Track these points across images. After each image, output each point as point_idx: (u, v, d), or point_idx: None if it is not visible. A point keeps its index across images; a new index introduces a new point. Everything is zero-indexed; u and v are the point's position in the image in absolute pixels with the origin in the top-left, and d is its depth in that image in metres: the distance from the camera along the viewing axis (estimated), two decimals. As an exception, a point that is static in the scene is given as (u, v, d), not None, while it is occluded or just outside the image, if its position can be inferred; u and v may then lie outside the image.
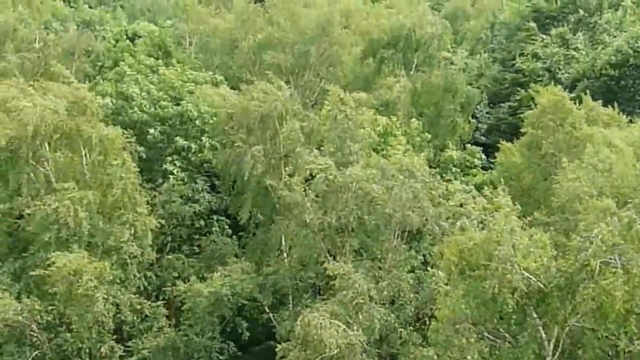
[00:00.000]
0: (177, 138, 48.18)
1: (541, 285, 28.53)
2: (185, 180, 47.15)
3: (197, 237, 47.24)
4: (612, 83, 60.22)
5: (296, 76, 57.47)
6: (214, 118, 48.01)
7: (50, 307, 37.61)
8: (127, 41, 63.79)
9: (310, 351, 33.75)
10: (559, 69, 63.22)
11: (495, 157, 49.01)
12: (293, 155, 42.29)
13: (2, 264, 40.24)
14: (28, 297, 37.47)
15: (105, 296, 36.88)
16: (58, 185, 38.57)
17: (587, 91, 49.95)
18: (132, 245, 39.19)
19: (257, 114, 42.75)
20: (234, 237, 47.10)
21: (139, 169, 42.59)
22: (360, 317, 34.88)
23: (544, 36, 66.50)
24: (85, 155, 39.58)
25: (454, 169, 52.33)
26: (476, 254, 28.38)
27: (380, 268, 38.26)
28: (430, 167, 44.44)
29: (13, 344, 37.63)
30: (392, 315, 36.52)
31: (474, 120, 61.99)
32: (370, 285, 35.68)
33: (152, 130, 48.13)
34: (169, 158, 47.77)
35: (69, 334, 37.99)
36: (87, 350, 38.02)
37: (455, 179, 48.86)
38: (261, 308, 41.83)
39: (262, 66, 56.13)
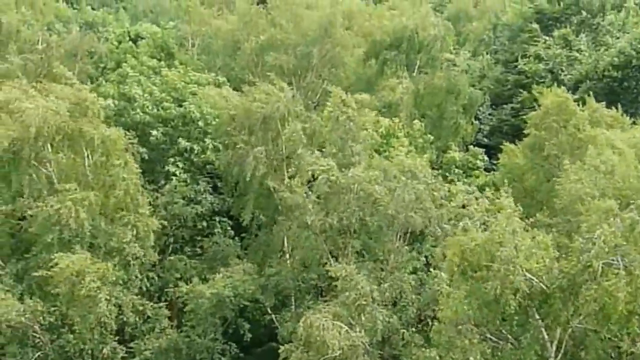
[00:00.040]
0: (180, 139, 48.21)
1: (543, 287, 28.50)
2: (188, 181, 47.17)
3: (199, 238, 47.25)
4: (615, 84, 60.15)
5: (298, 78, 57.51)
6: (217, 119, 48.05)
7: (52, 308, 37.62)
8: (130, 42, 63.87)
9: (313, 352, 33.72)
10: (562, 71, 63.18)
11: (497, 159, 48.97)
12: (295, 157, 42.29)
13: (5, 265, 40.24)
14: (31, 298, 37.49)
15: (108, 297, 36.88)
16: (60, 187, 38.59)
17: (590, 93, 49.86)
18: (135, 247, 39.20)
19: (259, 115, 42.79)
20: (236, 238, 47.11)
21: (141, 171, 42.60)
22: (363, 318, 34.85)
23: (547, 37, 66.45)
24: (88, 156, 39.61)
25: (456, 171, 52.31)
26: (478, 254, 28.35)
27: (382, 269, 38.24)
28: (433, 168, 44.46)
29: (16, 344, 37.64)
30: (395, 316, 36.50)
31: (477, 122, 61.96)
32: (372, 287, 35.66)
33: (154, 132, 48.16)
34: (172, 159, 47.80)
35: (71, 335, 37.98)
36: (90, 351, 38.00)
37: (458, 180, 48.83)
38: (263, 309, 41.83)
39: (264, 68, 56.18)
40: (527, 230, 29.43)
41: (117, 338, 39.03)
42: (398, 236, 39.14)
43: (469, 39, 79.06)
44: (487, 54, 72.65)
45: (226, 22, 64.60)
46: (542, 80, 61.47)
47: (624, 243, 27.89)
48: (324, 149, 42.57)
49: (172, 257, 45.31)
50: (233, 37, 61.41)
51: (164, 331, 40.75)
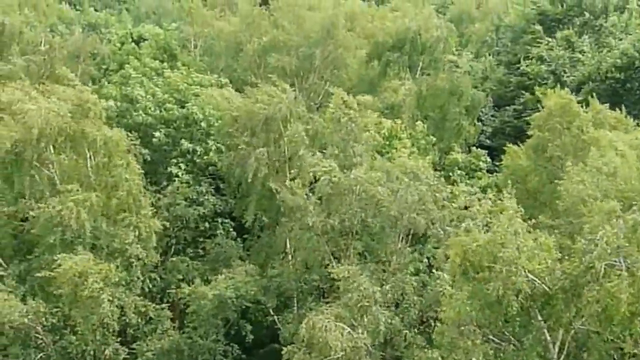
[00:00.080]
0: (183, 141, 48.22)
1: (546, 288, 28.45)
2: (190, 183, 47.18)
3: (201, 239, 47.28)
4: (618, 86, 60.07)
5: (301, 79, 57.54)
6: (219, 121, 48.07)
7: (55, 310, 37.67)
8: (133, 44, 63.97)
9: (316, 354, 33.71)
10: (564, 72, 63.10)
11: (500, 160, 48.89)
12: (297, 158, 42.29)
13: (7, 266, 40.32)
14: (33, 300, 37.53)
15: (111, 298, 36.91)
16: (62, 188, 38.62)
17: (593, 94, 49.82)
18: (137, 248, 39.22)
19: (261, 116, 42.83)
20: (238, 239, 47.13)
21: (143, 172, 42.65)
22: (365, 320, 34.83)
23: (549, 39, 66.37)
24: (90, 157, 39.65)
25: (458, 172, 52.29)
26: (480, 255, 28.31)
27: (384, 271, 38.22)
28: (435, 170, 44.43)
29: (18, 345, 37.69)
30: (397, 318, 36.48)
31: (479, 124, 61.94)
32: (375, 288, 35.64)
33: (157, 134, 48.17)
34: (174, 161, 47.80)
35: (73, 337, 38.03)
36: (92, 353, 38.05)
37: (460, 181, 48.82)
38: (265, 311, 41.83)
39: (266, 69, 56.25)
40: (530, 232, 29.39)
41: (119, 339, 39.08)
42: (400, 237, 39.13)
43: (472, 41, 78.99)
44: (489, 55, 72.57)
45: (228, 24, 64.61)
46: (544, 82, 61.41)
47: (627, 244, 27.81)
48: (324, 150, 42.59)
49: (174, 259, 45.34)
50: (235, 38, 61.43)
51: (166, 332, 40.78)
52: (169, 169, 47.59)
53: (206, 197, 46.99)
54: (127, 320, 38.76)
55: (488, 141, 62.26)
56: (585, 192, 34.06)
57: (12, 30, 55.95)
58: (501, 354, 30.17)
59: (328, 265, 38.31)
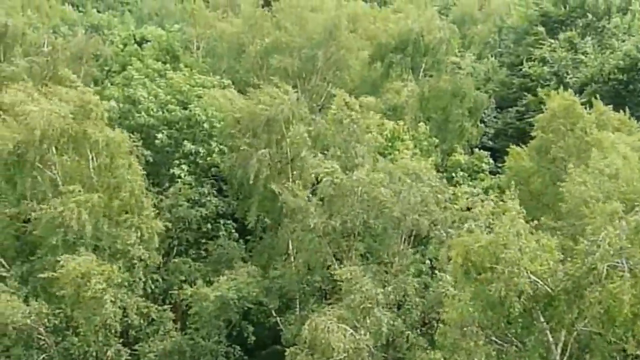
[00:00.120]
0: (185, 142, 48.23)
1: (548, 289, 28.42)
2: (193, 184, 47.18)
3: (204, 241, 47.27)
4: (621, 87, 60.05)
5: (303, 80, 57.52)
6: (222, 122, 48.07)
7: (57, 311, 37.69)
8: (135, 45, 64.00)
9: (318, 355, 33.72)
10: (567, 74, 63.07)
11: (502, 162, 48.87)
12: (299, 159, 42.29)
13: (10, 267, 40.36)
14: (36, 301, 37.56)
15: (113, 299, 36.94)
16: (64, 189, 38.66)
17: (597, 96, 49.78)
18: (139, 249, 39.24)
19: (263, 117, 42.82)
20: (241, 241, 47.12)
21: (146, 173, 42.66)
22: (368, 321, 34.82)
23: (552, 40, 66.34)
24: (92, 159, 39.68)
25: (461, 174, 52.29)
26: (482, 255, 28.30)
27: (386, 272, 38.21)
28: (438, 171, 44.42)
29: (21, 347, 37.72)
30: (399, 319, 36.47)
31: (482, 125, 61.93)
32: (377, 290, 35.64)
33: (160, 135, 48.17)
34: (177, 162, 47.80)
35: (76, 338, 38.05)
36: (94, 354, 38.06)
37: (463, 182, 48.81)
38: (267, 312, 41.81)
39: (269, 70, 56.24)
40: (532, 233, 29.37)
41: (121, 340, 39.08)
42: (402, 239, 39.12)
43: (474, 42, 78.98)
44: (492, 57, 72.58)
45: (231, 25, 64.62)
46: (547, 84, 61.43)
47: (629, 245, 27.77)
48: (326, 152, 42.61)
49: (176, 260, 45.32)
50: (238, 39, 61.44)
51: (168, 333, 40.78)
52: (171, 171, 47.58)
53: (208, 199, 46.98)
54: (130, 322, 38.78)
55: (490, 143, 62.26)
56: (587, 194, 34.05)
57: (15, 32, 56.05)
58: (503, 355, 30.13)
59: (330, 266, 38.29)
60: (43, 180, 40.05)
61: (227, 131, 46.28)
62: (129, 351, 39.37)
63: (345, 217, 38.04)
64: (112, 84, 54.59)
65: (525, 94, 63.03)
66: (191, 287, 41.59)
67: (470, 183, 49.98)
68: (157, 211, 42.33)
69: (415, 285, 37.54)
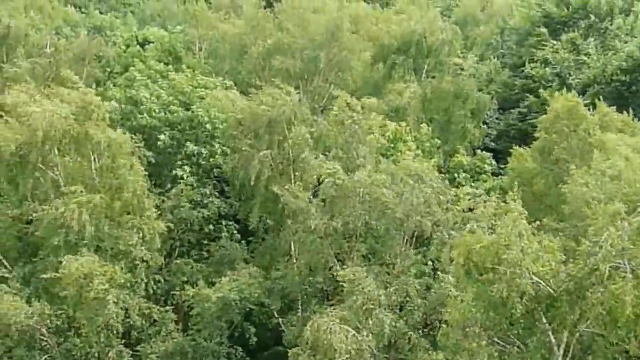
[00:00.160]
0: (188, 143, 48.22)
1: (550, 290, 28.41)
2: (195, 185, 47.17)
3: (206, 242, 47.27)
4: (624, 89, 59.95)
5: (305, 82, 57.47)
6: (224, 123, 48.07)
7: (59, 312, 37.73)
8: (138, 47, 64.00)
9: (320, 356, 33.77)
10: (570, 75, 62.99)
11: (505, 163, 48.83)
12: (301, 161, 42.28)
13: (12, 268, 40.41)
14: (38, 302, 37.59)
15: (116, 300, 36.96)
16: (66, 189, 38.70)
17: (600, 97, 49.72)
18: (142, 250, 39.25)
19: (265, 119, 42.83)
20: (243, 242, 47.12)
21: (148, 175, 42.69)
22: (370, 322, 34.81)
23: (555, 42, 66.26)
24: (94, 160, 39.71)
25: (464, 175, 52.26)
26: (484, 256, 28.28)
27: (388, 274, 38.20)
28: (441, 172, 44.42)
29: (23, 348, 37.80)
30: (401, 321, 36.45)
31: (484, 126, 61.89)
32: (380, 291, 35.62)
33: (162, 137, 48.15)
34: (179, 163, 47.79)
35: (78, 339, 38.06)
36: (96, 355, 38.10)
37: (465, 184, 48.77)
38: (270, 313, 41.81)
39: (271, 72, 56.19)
40: (535, 235, 29.35)
41: (123, 341, 39.13)
42: (405, 240, 39.10)
43: (477, 43, 78.88)
44: (494, 58, 72.45)
45: (233, 27, 64.57)
46: (549, 85, 61.35)
47: (631, 247, 27.79)
48: (327, 153, 42.60)
49: (178, 261, 45.33)
50: (240, 41, 61.40)
51: (170, 335, 40.79)
52: (173, 172, 47.59)
53: (211, 200, 46.98)
54: (132, 323, 38.82)
55: (493, 144, 62.18)
56: (589, 195, 34.02)
57: (18, 33, 56.13)
58: (506, 357, 30.11)
59: (332, 268, 38.28)
60: (45, 182, 40.11)
61: (229, 132, 46.28)
62: (131, 352, 39.41)
63: (347, 219, 38.04)
64: (114, 86, 54.61)
65: (528, 95, 62.95)
66: (193, 288, 41.59)
67: (473, 185, 49.92)
68: (160, 212, 42.35)
69: (417, 287, 37.51)
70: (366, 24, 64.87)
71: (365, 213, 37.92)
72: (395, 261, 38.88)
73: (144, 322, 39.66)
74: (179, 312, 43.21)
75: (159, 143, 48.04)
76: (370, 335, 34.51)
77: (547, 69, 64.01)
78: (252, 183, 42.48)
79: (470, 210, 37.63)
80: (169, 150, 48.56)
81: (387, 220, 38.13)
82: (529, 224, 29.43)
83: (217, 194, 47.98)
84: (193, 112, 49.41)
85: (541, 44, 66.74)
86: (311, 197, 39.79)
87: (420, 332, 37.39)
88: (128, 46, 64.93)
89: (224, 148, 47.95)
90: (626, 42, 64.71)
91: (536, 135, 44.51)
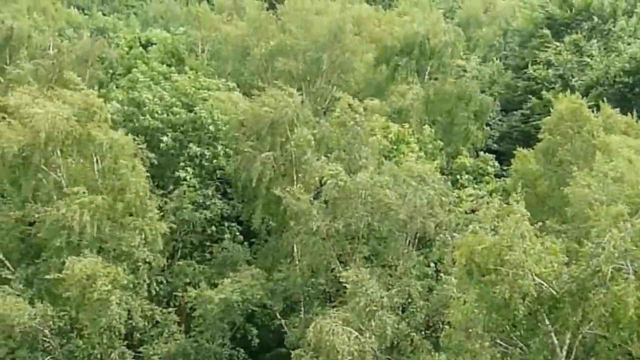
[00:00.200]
0: (191, 145, 48.24)
1: (553, 291, 28.38)
2: (197, 187, 47.17)
3: (208, 243, 47.23)
4: (626, 90, 59.87)
5: (308, 83, 57.52)
6: (227, 125, 48.08)
7: (62, 313, 37.75)
8: (140, 48, 64.08)
9: (323, 358, 33.80)
10: (572, 76, 62.94)
11: (507, 165, 48.74)
12: (303, 162, 42.28)
13: (15, 270, 40.42)
14: (41, 303, 37.61)
15: (119, 301, 36.98)
16: (68, 190, 38.74)
17: (604, 99, 49.67)
18: (144, 251, 39.26)
19: (267, 120, 42.84)
20: (245, 243, 47.10)
21: (150, 176, 42.70)
22: (373, 324, 34.80)
23: (558, 43, 66.21)
24: (97, 161, 39.74)
25: (466, 177, 52.23)
26: (486, 257, 28.26)
27: (390, 275, 38.18)
28: (443, 174, 44.39)
29: (26, 349, 37.83)
30: (403, 322, 36.44)
31: (487, 128, 61.87)
32: (383, 293, 35.62)
33: (165, 138, 48.15)
34: (182, 164, 47.80)
35: (80, 340, 38.08)
36: (98, 356, 38.10)
37: (468, 185, 48.75)
38: (272, 314, 41.80)
39: (273, 73, 56.23)
40: (537, 236, 29.32)
41: (125, 343, 39.14)
42: (407, 241, 39.09)
43: (479, 45, 78.86)
44: (497, 59, 72.42)
45: (236, 28, 64.61)
46: (552, 86, 61.30)
47: (634, 248, 27.75)
48: (328, 155, 42.60)
49: (181, 262, 45.31)
50: (243, 42, 61.45)
51: (172, 336, 40.80)
52: (176, 173, 47.59)
53: (213, 201, 46.96)
54: (134, 324, 38.83)
55: (495, 145, 62.15)
56: (591, 197, 33.99)
57: (21, 35, 56.16)
58: (508, 358, 30.08)
59: (334, 269, 38.27)
60: (48, 183, 40.15)
61: (232, 134, 46.29)
62: (133, 354, 39.43)
63: (349, 220, 38.04)
64: (117, 87, 54.65)
65: (530, 97, 62.89)
66: (195, 289, 41.59)
67: (476, 186, 49.91)
68: (162, 214, 42.36)
69: (419, 289, 37.50)
70: (368, 26, 64.84)
71: (367, 214, 37.93)
72: (398, 262, 38.86)
73: (146, 324, 39.68)
74: (181, 313, 43.22)
75: (162, 144, 48.04)
76: (373, 336, 34.51)
77: (549, 70, 63.96)
78: (254, 184, 42.47)
79: (473, 211, 37.62)
80: (172, 151, 48.55)
81: (390, 221, 38.14)
82: (532, 225, 29.39)
83: (219, 195, 47.96)
84: (196, 113, 49.40)
85: (544, 45, 66.69)
86: (311, 200, 39.77)
87: (423, 333, 37.38)
88: (131, 47, 65.02)
89: (227, 149, 47.95)
90: (629, 44, 64.64)
91: (539, 136, 44.46)
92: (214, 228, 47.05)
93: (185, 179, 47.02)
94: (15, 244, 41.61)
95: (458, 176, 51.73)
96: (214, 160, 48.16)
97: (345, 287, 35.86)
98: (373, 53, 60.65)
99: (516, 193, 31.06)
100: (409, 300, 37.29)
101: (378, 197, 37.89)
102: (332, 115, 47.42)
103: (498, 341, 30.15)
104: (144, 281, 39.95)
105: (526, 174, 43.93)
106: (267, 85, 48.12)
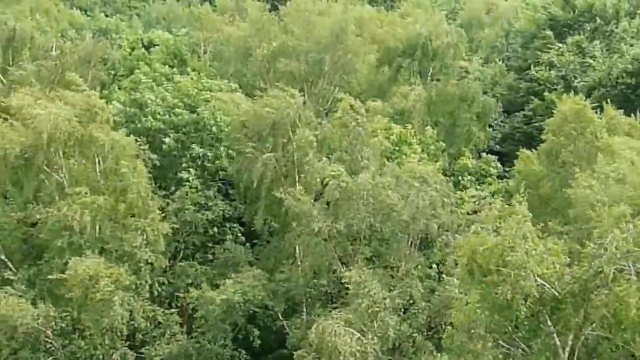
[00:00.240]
0: (194, 146, 48.25)
1: (555, 293, 28.34)
2: (199, 188, 47.18)
3: (210, 245, 47.22)
4: (629, 92, 59.85)
5: (310, 84, 57.47)
6: (229, 126, 48.10)
7: (64, 314, 37.79)
8: (143, 50, 64.13)
9: (325, 359, 33.75)
10: (575, 78, 62.94)
11: (510, 166, 48.74)
12: (305, 163, 42.29)
13: (18, 271, 40.46)
14: (43, 304, 37.64)
15: (121, 302, 37.00)
16: (70, 191, 38.78)
17: (607, 100, 49.63)
18: (146, 252, 39.28)
19: (269, 121, 42.84)
20: (247, 245, 47.10)
21: (153, 177, 42.72)
22: (375, 325, 34.80)
23: (560, 45, 66.22)
24: (99, 162, 39.78)
25: (469, 178, 52.22)
26: (488, 258, 28.23)
27: (392, 276, 38.17)
28: (445, 175, 44.39)
29: (28, 350, 37.89)
30: (405, 323, 36.43)
31: (489, 129, 61.86)
32: (385, 294, 35.61)
33: (167, 140, 48.17)
34: (184, 166, 47.81)
35: (82, 341, 38.11)
36: (101, 357, 38.17)
37: (470, 187, 48.74)
38: (274, 316, 41.81)
39: (276, 74, 56.24)
40: (540, 237, 29.29)
41: (127, 344, 39.17)
42: (410, 243, 39.08)
43: (482, 46, 78.89)
44: (499, 61, 72.48)
45: (238, 29, 64.60)
46: (554, 88, 61.31)
47: (636, 249, 27.71)
48: (330, 156, 42.59)
49: (183, 264, 45.29)
50: (245, 44, 61.42)
51: (174, 337, 40.82)
52: (178, 175, 47.60)
53: (215, 203, 46.95)
54: (136, 325, 38.86)
55: (498, 147, 62.19)
56: (594, 198, 33.97)
57: (24, 36, 56.24)
58: (511, 359, 30.05)
59: (336, 270, 38.27)
60: (50, 184, 40.21)
61: (234, 135, 46.30)
62: (135, 355, 39.47)
63: (352, 221, 38.03)
64: (119, 88, 54.70)
65: (533, 98, 62.91)
66: (197, 290, 41.59)
67: (478, 187, 49.92)
68: (164, 215, 42.38)
69: (422, 290, 37.49)
70: (371, 27, 64.81)
71: (370, 216, 37.92)
72: (400, 264, 38.85)
73: (148, 325, 39.71)
74: (183, 314, 43.22)
75: (164, 146, 48.05)
76: (375, 338, 34.50)
77: (552, 71, 63.97)
78: (256, 186, 42.46)
79: (475, 213, 37.61)
80: (174, 153, 48.54)
81: (392, 223, 38.13)
82: (535, 226, 29.37)
83: (221, 196, 47.95)
84: (198, 114, 49.42)
85: (546, 46, 66.72)
86: (313, 201, 39.76)
87: (425, 334, 37.36)
88: (133, 49, 65.08)
89: (229, 151, 47.96)
90: (632, 45, 64.65)
91: (543, 137, 44.43)
92: (216, 229, 47.05)
93: (187, 181, 47.02)
94: (18, 245, 41.68)
95: (460, 177, 51.74)
96: (217, 162, 48.16)
97: (347, 288, 35.86)
98: (375, 54, 60.63)
99: (519, 194, 31.01)
100: (412, 301, 37.27)
101: (380, 199, 37.87)
102: (334, 116, 47.40)
103: (500, 342, 30.12)
104: (147, 282, 39.97)
105: (529, 176, 43.90)
106: (270, 87, 48.19)
